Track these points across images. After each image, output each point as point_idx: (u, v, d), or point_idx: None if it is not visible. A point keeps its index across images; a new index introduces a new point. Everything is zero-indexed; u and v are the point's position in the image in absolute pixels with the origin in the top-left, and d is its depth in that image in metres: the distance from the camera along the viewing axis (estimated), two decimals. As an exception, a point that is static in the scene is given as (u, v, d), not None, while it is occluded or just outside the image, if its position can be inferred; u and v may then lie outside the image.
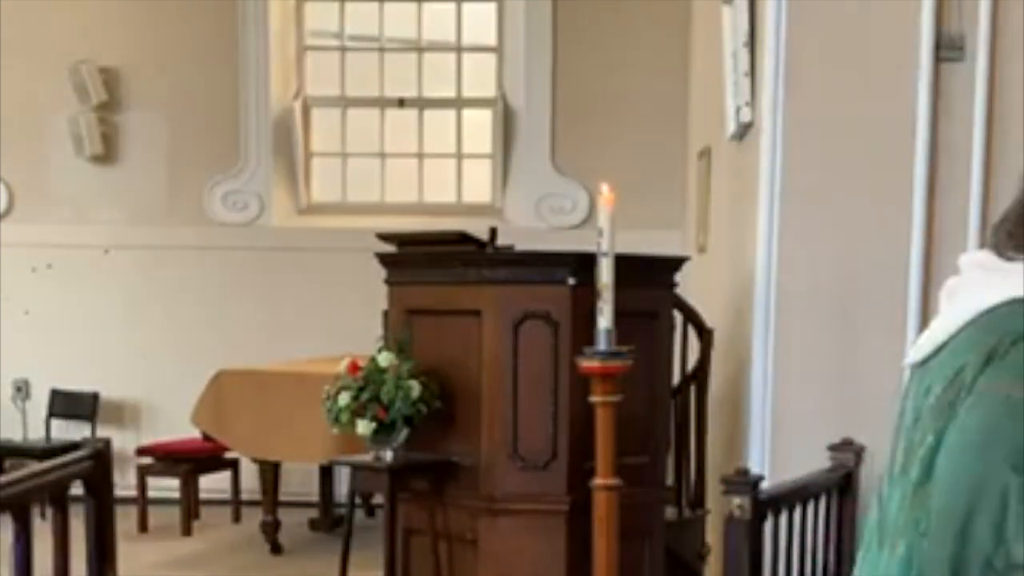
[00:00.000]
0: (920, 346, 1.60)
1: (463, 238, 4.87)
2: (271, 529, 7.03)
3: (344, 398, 4.48)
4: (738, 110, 4.87)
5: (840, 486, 4.16)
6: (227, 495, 7.72)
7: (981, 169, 4.12)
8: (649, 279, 4.67)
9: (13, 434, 8.17)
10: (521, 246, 5.07)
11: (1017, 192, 1.59)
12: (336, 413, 4.52)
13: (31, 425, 8.22)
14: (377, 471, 4.60)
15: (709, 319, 5.43)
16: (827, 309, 4.29)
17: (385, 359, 4.51)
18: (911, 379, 1.63)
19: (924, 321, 3.87)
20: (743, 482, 3.69)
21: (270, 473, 7.01)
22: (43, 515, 3.88)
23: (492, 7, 8.44)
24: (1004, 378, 1.41)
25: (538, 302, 4.44)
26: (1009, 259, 1.53)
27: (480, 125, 8.54)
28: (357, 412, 4.46)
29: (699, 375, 5.44)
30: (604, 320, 3.67)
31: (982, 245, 1.63)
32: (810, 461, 4.11)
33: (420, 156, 8.62)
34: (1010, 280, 1.52)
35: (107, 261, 8.37)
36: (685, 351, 5.50)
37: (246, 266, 8.28)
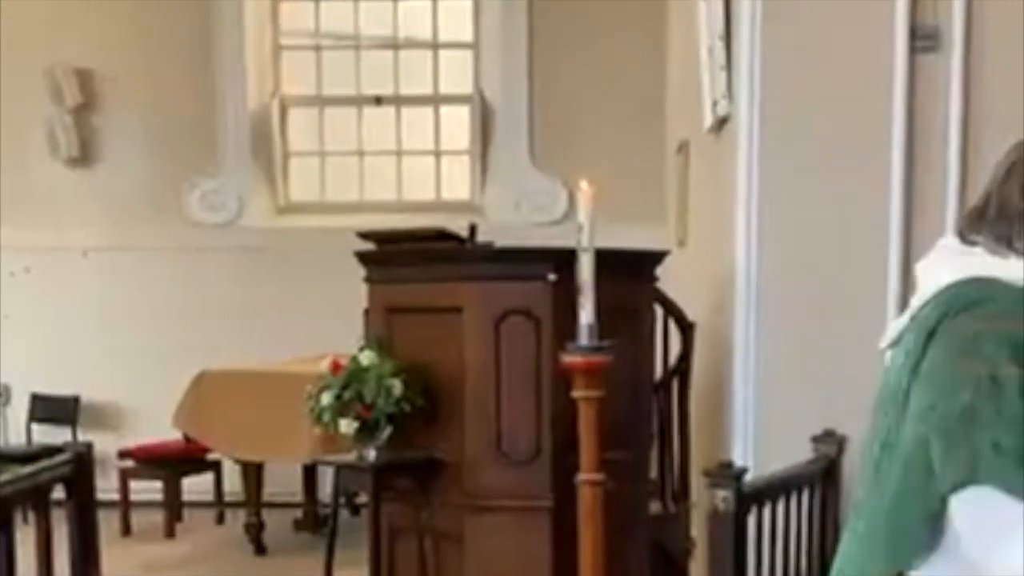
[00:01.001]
0: (892, 329, 1.76)
1: (443, 235, 4.86)
2: (255, 530, 7.02)
3: (326, 397, 4.48)
4: (715, 103, 4.87)
5: (823, 477, 4.17)
6: (210, 496, 7.71)
7: (958, 159, 4.13)
8: (630, 274, 4.67)
9: (-7, 439, 8.14)
10: (501, 243, 5.06)
11: (988, 183, 1.72)
12: (319, 412, 4.51)
13: (11, 430, 8.19)
14: (361, 470, 4.59)
15: (690, 313, 5.43)
16: (807, 301, 4.30)
17: (367, 358, 4.51)
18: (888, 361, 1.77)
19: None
20: (727, 475, 3.69)
21: (253, 474, 6.99)
22: (25, 519, 3.86)
23: (468, 3, 8.43)
24: (938, 357, 1.62)
25: (519, 298, 4.44)
26: (971, 243, 1.69)
27: (458, 122, 8.54)
28: (340, 411, 4.46)
29: (681, 369, 5.45)
30: (585, 315, 3.67)
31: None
32: (793, 453, 4.12)
33: (398, 154, 8.62)
34: (967, 261, 1.70)
35: (86, 264, 8.34)
36: (667, 345, 5.50)
37: (225, 266, 8.26)
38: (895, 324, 1.78)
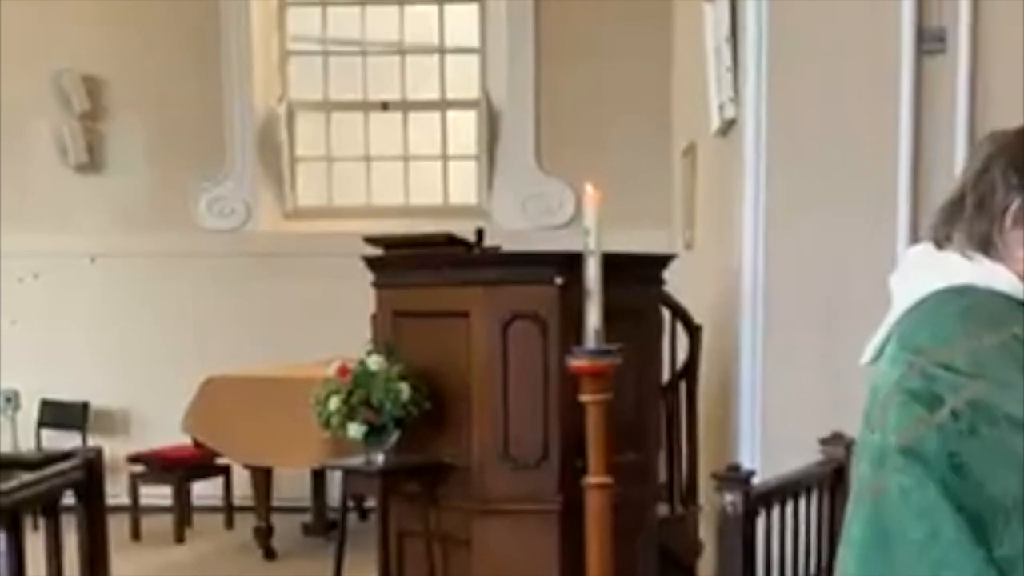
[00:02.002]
0: (871, 347, 1.71)
1: (450, 240, 4.87)
2: (264, 535, 7.02)
3: (334, 402, 4.48)
4: (721, 106, 4.88)
5: (831, 480, 4.16)
6: (219, 501, 7.71)
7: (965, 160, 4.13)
8: (637, 277, 4.68)
9: (3, 445, 8.14)
10: (508, 247, 5.08)
11: (961, 178, 1.67)
12: (327, 417, 4.52)
13: (21, 436, 8.21)
14: (369, 474, 4.60)
15: (697, 316, 5.43)
16: (814, 302, 4.30)
17: (374, 362, 4.51)
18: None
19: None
20: (735, 478, 3.69)
21: (262, 478, 7.00)
22: (35, 525, 3.86)
23: (474, 8, 8.44)
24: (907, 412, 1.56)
25: (526, 302, 4.44)
26: (942, 246, 1.63)
27: (464, 126, 8.54)
28: (348, 415, 4.46)
29: (688, 371, 5.45)
30: (592, 319, 3.67)
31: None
32: (801, 455, 4.12)
33: (405, 159, 8.62)
34: (938, 271, 1.65)
35: (94, 270, 8.35)
36: (674, 348, 5.51)
37: (233, 272, 8.26)
38: (874, 342, 1.73)
